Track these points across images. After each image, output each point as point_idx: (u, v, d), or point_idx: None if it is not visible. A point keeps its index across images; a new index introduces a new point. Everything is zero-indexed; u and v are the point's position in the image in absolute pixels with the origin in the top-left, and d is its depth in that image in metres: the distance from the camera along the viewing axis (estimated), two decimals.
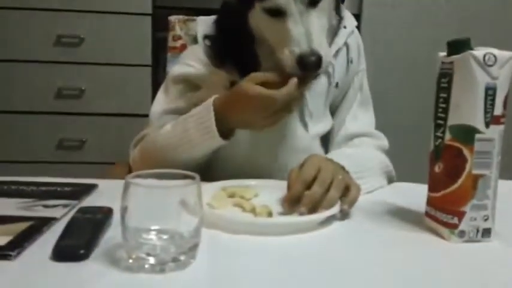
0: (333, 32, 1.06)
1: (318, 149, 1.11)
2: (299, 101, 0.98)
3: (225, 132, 0.96)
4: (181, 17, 1.69)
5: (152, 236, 0.62)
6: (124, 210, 0.62)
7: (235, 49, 1.04)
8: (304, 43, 0.90)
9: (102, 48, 2.14)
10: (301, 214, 0.79)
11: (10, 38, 2.11)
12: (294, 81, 0.91)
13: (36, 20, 2.10)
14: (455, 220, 0.73)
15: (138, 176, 0.66)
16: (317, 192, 0.81)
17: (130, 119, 2.11)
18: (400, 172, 1.10)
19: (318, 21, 0.93)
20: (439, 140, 0.75)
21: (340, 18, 1.07)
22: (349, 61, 1.12)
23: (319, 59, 0.90)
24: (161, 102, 1.12)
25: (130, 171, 1.15)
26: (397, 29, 2.23)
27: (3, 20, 2.09)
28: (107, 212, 0.75)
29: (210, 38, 1.07)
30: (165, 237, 0.62)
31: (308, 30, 0.91)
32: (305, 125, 1.09)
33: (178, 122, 1.01)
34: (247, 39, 1.01)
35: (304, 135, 1.09)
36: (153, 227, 0.62)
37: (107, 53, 2.14)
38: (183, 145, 0.98)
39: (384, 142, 1.16)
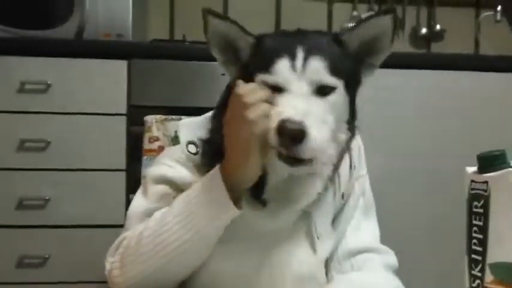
0: (340, 150, 0.96)
1: (322, 273, 1.00)
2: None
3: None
4: (158, 116, 1.64)
5: None
6: None
7: None
8: (293, 113, 0.81)
9: (69, 152, 2.04)
10: None
11: None
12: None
13: None
14: None
15: None
16: None
17: (102, 230, 1.98)
18: None
19: (321, 108, 0.84)
20: (477, 281, 0.61)
21: (353, 132, 0.96)
22: (352, 166, 1.05)
23: (302, 132, 0.79)
24: (141, 203, 1.03)
25: None
26: (396, 127, 2.16)
27: None
28: None
29: (202, 141, 1.00)
30: None
31: (306, 107, 0.82)
32: (313, 248, 0.98)
33: (174, 202, 0.93)
34: None
35: (310, 260, 0.98)
36: None
37: (75, 157, 2.04)
38: (184, 220, 0.89)
39: (392, 258, 1.05)
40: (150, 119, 1.62)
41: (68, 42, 2.09)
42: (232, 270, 0.93)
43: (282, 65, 0.85)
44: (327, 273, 1.01)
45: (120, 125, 2.04)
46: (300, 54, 0.85)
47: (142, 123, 1.62)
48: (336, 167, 0.95)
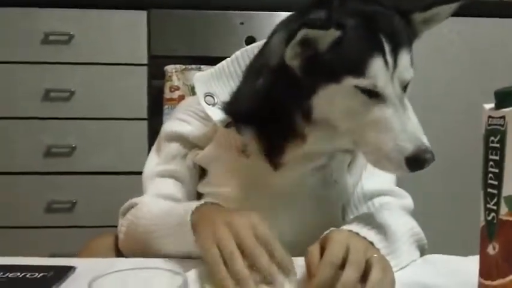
0: None
1: (339, 218, 1.01)
2: None
3: None
4: (178, 66, 1.64)
5: None
6: None
7: (267, 118, 0.89)
8: (415, 138, 0.76)
9: (94, 102, 2.04)
10: None
11: None
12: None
13: (23, 74, 2.01)
14: None
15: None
16: (352, 277, 0.68)
17: (125, 176, 2.00)
18: (431, 239, 0.96)
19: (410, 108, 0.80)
20: (492, 214, 0.61)
21: None
22: None
23: (433, 158, 0.76)
24: (153, 163, 1.05)
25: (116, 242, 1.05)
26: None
27: None
28: None
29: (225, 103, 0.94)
30: None
31: (412, 121, 0.77)
32: (329, 198, 0.99)
33: (161, 214, 0.91)
34: (297, 115, 0.85)
35: (325, 208, 0.99)
36: None
37: (99, 106, 2.05)
38: (162, 238, 0.88)
39: (408, 200, 1.04)
40: (170, 68, 1.63)
41: None
42: None
43: (377, 66, 0.76)
44: (343, 217, 1.02)
45: (141, 75, 2.04)
46: (387, 48, 0.77)
47: (163, 73, 1.63)
48: None
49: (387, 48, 0.76)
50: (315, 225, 0.92)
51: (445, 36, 2.11)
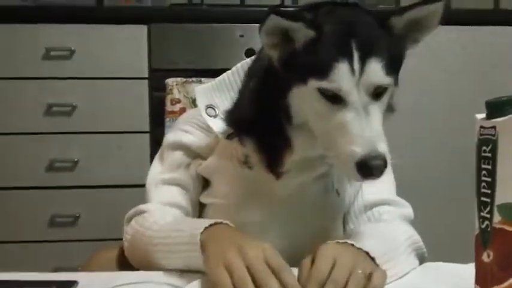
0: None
1: (340, 227, 1.01)
2: None
3: None
4: (179, 79, 1.65)
5: None
6: None
7: (260, 124, 0.90)
8: (368, 144, 0.75)
9: (95, 115, 2.06)
10: None
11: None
12: None
13: (25, 89, 2.03)
14: None
15: None
16: None
17: (128, 189, 2.01)
18: (430, 248, 0.96)
19: (380, 116, 0.78)
20: (486, 222, 0.62)
21: (392, 109, 0.89)
22: None
23: (385, 164, 0.75)
24: (157, 171, 1.05)
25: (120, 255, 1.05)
26: (411, 81, 2.14)
27: None
28: None
29: (227, 112, 0.94)
30: None
31: (372, 128, 0.76)
32: (331, 205, 0.98)
33: (169, 224, 0.92)
34: (282, 116, 0.86)
35: (331, 218, 0.99)
36: None
37: (101, 120, 2.06)
38: (169, 262, 0.87)
39: (408, 210, 1.03)
40: (171, 81, 1.63)
41: (89, 9, 2.12)
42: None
43: (341, 71, 0.76)
44: (344, 227, 1.02)
45: (142, 89, 2.05)
46: (356, 54, 0.76)
47: (163, 86, 1.64)
48: None
49: (356, 54, 0.76)
50: (316, 234, 0.93)
51: (445, 45, 2.13)
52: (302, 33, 0.79)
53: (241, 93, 0.94)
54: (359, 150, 0.74)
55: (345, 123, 0.76)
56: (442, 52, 2.14)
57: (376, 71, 0.76)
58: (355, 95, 0.76)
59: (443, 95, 2.15)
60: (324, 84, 0.76)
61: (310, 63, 0.78)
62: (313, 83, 0.77)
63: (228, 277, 0.69)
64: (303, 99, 0.81)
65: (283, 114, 0.85)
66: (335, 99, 0.77)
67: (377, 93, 0.78)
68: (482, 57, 2.17)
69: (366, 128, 0.75)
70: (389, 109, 0.86)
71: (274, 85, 0.84)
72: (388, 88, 0.79)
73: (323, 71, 0.76)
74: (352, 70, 0.75)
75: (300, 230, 0.94)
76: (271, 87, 0.85)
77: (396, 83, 0.82)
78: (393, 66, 0.79)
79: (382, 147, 0.75)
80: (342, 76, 0.75)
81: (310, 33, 0.78)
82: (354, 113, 0.76)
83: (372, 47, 0.77)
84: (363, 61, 0.76)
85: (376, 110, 0.78)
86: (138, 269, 0.95)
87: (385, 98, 0.79)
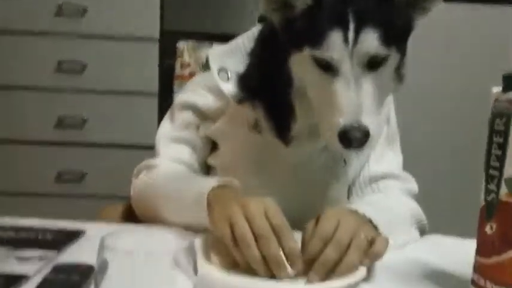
0: (388, 95, 0.92)
1: (345, 197, 1.01)
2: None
3: None
4: (190, 43, 1.63)
5: None
6: (98, 277, 0.50)
7: (269, 90, 0.91)
8: (352, 115, 0.75)
9: (105, 75, 2.06)
10: (311, 282, 0.67)
11: (8, 63, 2.03)
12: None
13: (36, 45, 2.03)
14: None
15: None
16: (331, 256, 0.69)
17: (134, 151, 2.01)
18: (432, 221, 0.97)
19: (373, 88, 0.78)
20: (492, 195, 0.63)
21: (401, 79, 0.88)
22: None
23: (365, 136, 0.75)
24: (167, 129, 1.05)
25: (127, 209, 1.07)
26: (423, 60, 2.13)
27: (0, 45, 2.02)
28: (86, 271, 0.64)
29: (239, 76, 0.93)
30: None
31: (360, 99, 0.76)
32: (338, 176, 0.98)
33: (179, 179, 0.93)
34: (285, 82, 0.87)
35: (336, 187, 0.99)
36: None
37: (110, 80, 2.06)
38: (174, 210, 0.89)
39: (413, 185, 1.04)
40: (182, 45, 1.62)
41: None
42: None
43: (334, 41, 0.75)
44: (348, 198, 1.02)
45: (153, 51, 2.04)
46: (351, 25, 0.75)
47: (174, 49, 1.64)
48: None
49: (352, 24, 0.75)
50: (322, 202, 0.95)
51: (451, 22, 2.12)
52: (301, 2, 0.79)
53: (250, 57, 0.94)
54: (341, 120, 0.75)
55: (334, 92, 0.77)
56: (454, 30, 2.13)
57: (370, 41, 0.76)
58: (347, 65, 0.76)
59: (457, 70, 2.15)
60: (318, 52, 0.77)
61: (306, 30, 0.79)
62: (308, 51, 0.78)
63: (229, 230, 0.70)
64: (300, 65, 0.82)
65: (286, 80, 0.86)
66: (328, 68, 0.77)
67: (373, 63, 0.77)
68: (496, 36, 2.16)
69: (353, 99, 0.76)
70: (398, 79, 0.86)
71: (277, 50, 0.85)
72: (386, 59, 0.78)
73: (317, 40, 0.76)
74: (346, 39, 0.75)
75: (306, 198, 0.95)
76: (275, 52, 0.86)
77: (402, 52, 0.82)
78: (394, 36, 0.78)
79: (366, 120, 0.75)
80: (335, 45, 0.75)
81: (308, 1, 0.78)
82: (344, 83, 0.76)
83: (368, 16, 0.76)
84: (358, 30, 0.75)
85: (369, 82, 0.77)
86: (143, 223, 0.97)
87: (383, 69, 0.79)
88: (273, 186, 0.93)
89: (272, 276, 0.68)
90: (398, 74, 0.85)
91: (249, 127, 0.95)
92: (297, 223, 0.77)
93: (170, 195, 0.91)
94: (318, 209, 0.84)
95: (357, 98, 0.76)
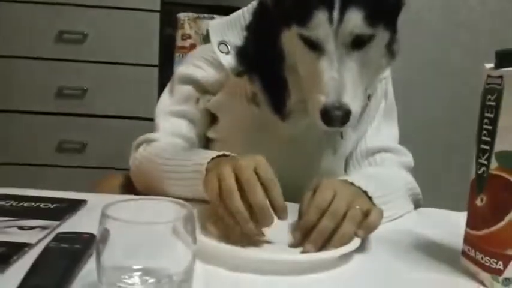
0: (379, 71, 0.93)
1: (342, 169, 1.03)
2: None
3: None
4: (191, 14, 1.63)
5: (135, 279, 0.52)
6: (100, 246, 0.51)
7: (264, 65, 0.92)
8: (333, 93, 0.78)
9: (106, 45, 2.05)
10: (306, 251, 0.69)
11: (9, 33, 2.03)
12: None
13: (37, 15, 2.02)
14: (500, 265, 0.62)
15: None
16: (327, 227, 0.70)
17: (135, 121, 2.03)
18: (427, 194, 0.99)
19: (358, 66, 0.80)
20: (483, 168, 0.64)
21: (393, 55, 0.90)
22: None
23: (346, 115, 0.78)
24: (167, 102, 1.06)
25: (126, 181, 1.08)
26: (425, 35, 2.12)
27: (1, 14, 2.01)
28: (88, 240, 0.65)
29: (234, 46, 0.94)
30: (150, 280, 0.52)
31: (343, 79, 0.78)
32: (335, 148, 0.99)
33: (176, 159, 0.92)
34: (278, 58, 0.89)
35: (332, 159, 1.00)
36: (135, 267, 0.52)
37: (111, 51, 2.06)
38: (176, 181, 0.89)
39: (409, 159, 1.05)
40: (182, 16, 1.61)
41: None
42: None
43: (319, 20, 0.77)
44: (345, 170, 1.04)
45: (154, 22, 2.04)
46: (337, 4, 0.76)
47: (175, 20, 1.63)
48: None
49: (337, 3, 0.76)
50: (318, 173, 0.97)
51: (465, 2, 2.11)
52: None
53: (248, 31, 0.95)
54: (323, 99, 0.78)
55: (318, 71, 0.79)
56: (458, 7, 2.11)
57: (355, 21, 0.77)
58: (332, 44, 0.78)
59: (455, 49, 2.14)
60: (304, 31, 0.79)
61: (294, 8, 0.80)
62: (296, 29, 0.80)
63: (217, 184, 0.71)
64: (290, 42, 0.84)
65: (279, 56, 0.87)
66: (314, 46, 0.79)
67: (358, 42, 0.79)
68: (498, 14, 2.14)
69: (336, 79, 0.78)
70: (390, 55, 0.87)
71: (270, 25, 0.86)
72: (372, 38, 0.80)
73: (304, 18, 0.78)
74: (331, 19, 0.76)
75: (301, 169, 0.96)
76: (269, 27, 0.87)
77: (392, 29, 0.83)
78: (381, 14, 0.80)
79: (347, 99, 0.77)
80: (320, 24, 0.77)
81: None
82: (328, 62, 0.78)
83: None
84: (343, 10, 0.76)
85: (354, 61, 0.79)
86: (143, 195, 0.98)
87: (369, 48, 0.80)
88: (269, 158, 0.93)
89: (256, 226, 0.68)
90: (390, 50, 0.87)
91: (247, 100, 0.95)
92: (292, 194, 0.79)
93: (169, 168, 0.91)
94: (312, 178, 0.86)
95: (339, 78, 0.78)
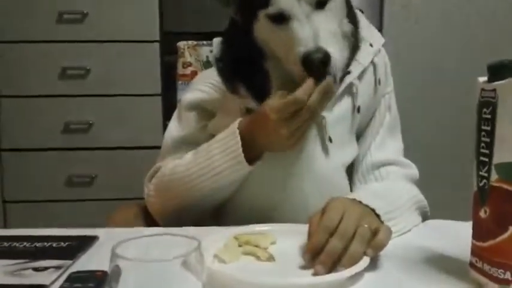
0: (348, 41, 0.96)
1: (341, 179, 1.01)
2: (321, 104, 0.86)
3: (252, 157, 0.90)
4: (190, 42, 1.65)
5: None
6: (113, 285, 0.52)
7: (244, 68, 0.96)
8: (310, 42, 0.84)
9: (109, 79, 2.08)
10: (317, 274, 0.69)
11: (15, 72, 2.06)
12: (310, 81, 0.83)
13: (41, 53, 2.06)
14: (508, 275, 0.62)
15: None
16: (336, 247, 0.71)
17: (142, 151, 2.05)
18: (433, 206, 1.00)
19: (325, 23, 0.87)
20: (484, 181, 0.65)
21: (356, 27, 0.97)
22: (376, 82, 1.02)
23: (326, 57, 0.84)
24: (174, 130, 1.07)
25: (142, 211, 1.09)
26: (422, 44, 2.13)
27: (8, 54, 2.05)
28: (101, 278, 0.66)
29: (219, 60, 0.99)
30: None
31: (315, 30, 0.85)
32: (326, 152, 0.98)
33: (200, 149, 0.96)
34: (256, 56, 0.94)
35: (325, 164, 0.98)
36: None
37: (114, 83, 2.09)
38: (206, 174, 0.93)
39: (414, 171, 1.06)
40: (182, 45, 1.63)
41: None
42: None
43: None
44: (351, 186, 1.03)
45: (154, 52, 2.07)
46: None
47: (175, 49, 1.66)
48: (347, 67, 0.96)
49: None
50: (309, 175, 0.96)
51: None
52: None
53: (224, 44, 1.00)
54: (302, 48, 0.84)
55: (291, 33, 0.86)
56: (454, 14, 2.13)
57: None
58: (297, 8, 0.85)
59: (453, 55, 2.15)
60: (270, 10, 0.86)
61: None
62: (262, 13, 0.88)
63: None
64: (262, 31, 0.90)
65: (258, 53, 0.93)
66: (282, 19, 0.86)
67: (320, 3, 0.86)
68: (494, 20, 2.16)
69: (309, 31, 0.85)
70: (352, 19, 0.96)
71: (244, 26, 0.93)
72: None
73: (265, 1, 0.86)
74: None
75: (292, 169, 0.96)
76: (242, 29, 0.94)
77: None
78: None
79: (323, 44, 0.84)
80: None
81: None
82: (298, 22, 0.86)
83: None
84: None
85: (321, 17, 0.87)
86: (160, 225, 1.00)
87: (331, 8, 0.88)
88: (267, 167, 0.94)
89: None
90: (352, 20, 0.96)
91: (241, 114, 0.96)
92: (282, 193, 0.87)
93: (194, 170, 0.94)
94: (305, 182, 0.95)
95: (312, 30, 0.85)
